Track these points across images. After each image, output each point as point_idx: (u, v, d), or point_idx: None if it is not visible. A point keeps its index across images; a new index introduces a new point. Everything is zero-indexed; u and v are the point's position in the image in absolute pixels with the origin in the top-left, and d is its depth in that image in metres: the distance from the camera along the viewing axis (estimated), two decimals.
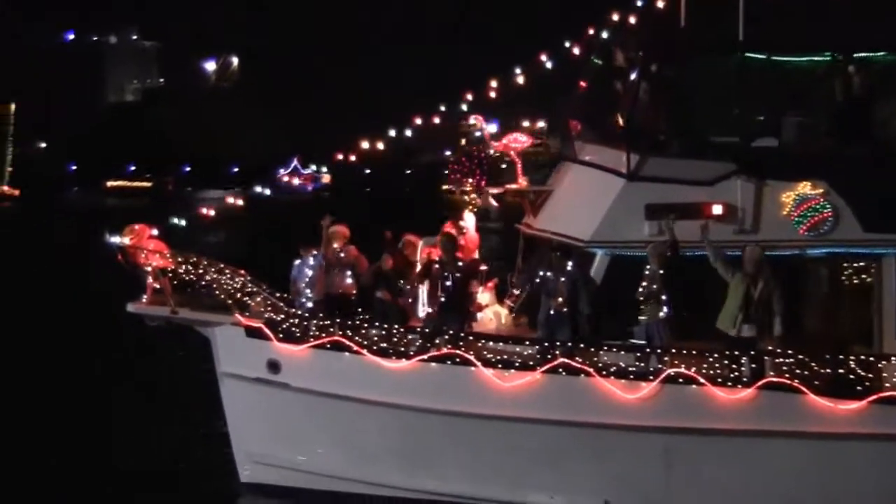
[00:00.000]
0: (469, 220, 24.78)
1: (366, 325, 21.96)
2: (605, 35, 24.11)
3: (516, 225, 24.94)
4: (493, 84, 25.22)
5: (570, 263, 22.10)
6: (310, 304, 23.07)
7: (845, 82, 22.54)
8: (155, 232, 22.49)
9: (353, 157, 26.18)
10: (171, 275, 22.44)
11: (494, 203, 25.05)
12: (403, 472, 22.02)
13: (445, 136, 24.46)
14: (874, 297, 21.98)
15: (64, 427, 28.14)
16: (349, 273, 23.39)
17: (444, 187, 25.38)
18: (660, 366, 20.86)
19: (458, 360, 21.23)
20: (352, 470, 22.30)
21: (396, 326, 22.01)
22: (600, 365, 20.92)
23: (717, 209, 21.92)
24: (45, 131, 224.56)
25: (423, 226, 25.22)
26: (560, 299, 21.95)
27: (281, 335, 22.07)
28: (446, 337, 21.52)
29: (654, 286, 21.57)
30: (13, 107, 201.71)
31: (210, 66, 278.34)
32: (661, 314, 21.57)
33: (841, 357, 20.55)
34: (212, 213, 23.48)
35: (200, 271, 22.37)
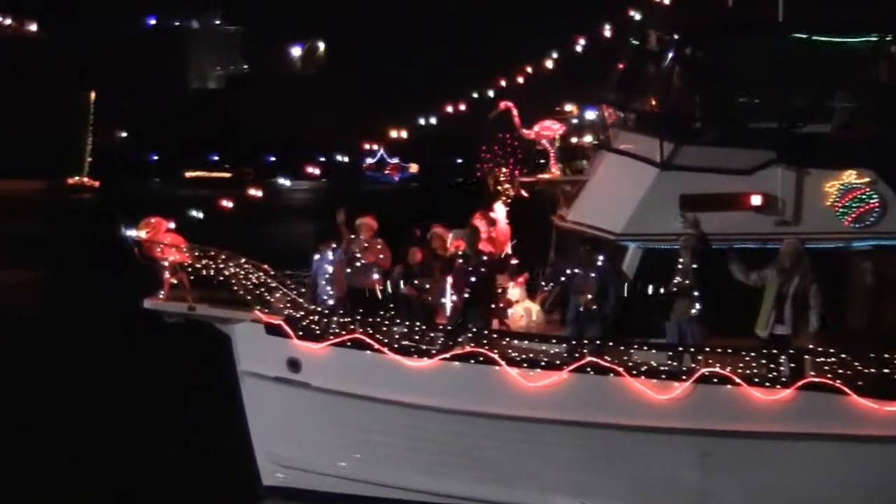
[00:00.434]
0: (500, 211, 24.69)
1: (387, 322, 21.92)
2: (637, 16, 23.88)
3: (550, 217, 24.84)
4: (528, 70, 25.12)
5: (600, 258, 21.95)
6: (330, 301, 23.06)
7: (892, 64, 22.18)
8: (172, 225, 22.60)
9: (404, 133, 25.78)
10: (189, 270, 22.51)
11: (524, 193, 24.90)
12: (425, 475, 21.99)
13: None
14: None
15: (86, 426, 28.53)
16: (375, 268, 23.32)
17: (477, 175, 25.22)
18: (693, 365, 20.66)
19: (481, 358, 21.15)
20: (372, 473, 22.32)
21: (419, 324, 21.94)
22: (630, 364, 20.76)
23: (756, 200, 21.70)
24: (126, 120, 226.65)
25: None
26: (589, 296, 21.81)
27: (301, 333, 22.08)
28: (469, 335, 21.45)
29: (687, 281, 21.34)
30: (93, 95, 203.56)
31: (296, 51, 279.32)
32: (694, 311, 21.34)
33: (886, 356, 20.19)
34: (230, 205, 23.49)
35: (219, 266, 22.42)
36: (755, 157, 21.81)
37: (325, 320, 22.10)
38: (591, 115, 27.23)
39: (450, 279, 22.70)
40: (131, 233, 22.37)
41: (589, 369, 20.79)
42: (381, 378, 21.69)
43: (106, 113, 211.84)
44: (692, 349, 20.84)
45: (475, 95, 25.69)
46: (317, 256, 23.67)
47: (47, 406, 30.45)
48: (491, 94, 25.80)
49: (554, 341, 21.61)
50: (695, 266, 21.32)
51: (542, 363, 21.02)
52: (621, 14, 24.40)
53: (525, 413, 21.06)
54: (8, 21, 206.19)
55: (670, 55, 22.76)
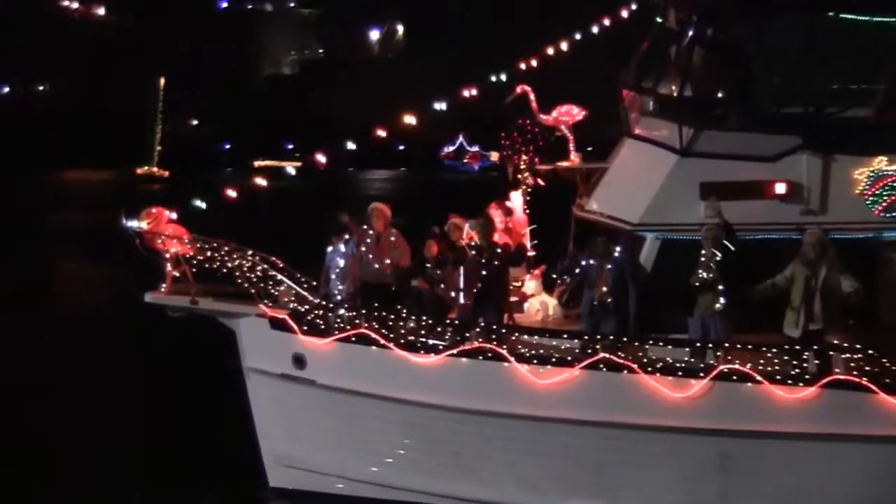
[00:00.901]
0: (517, 201, 24.57)
1: (394, 316, 21.87)
2: None
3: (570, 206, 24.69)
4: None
5: (617, 249, 21.79)
6: (340, 296, 23.01)
7: None
8: (174, 216, 22.65)
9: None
10: (192, 261, 22.56)
11: (541, 182, 24.75)
12: (431, 476, 21.99)
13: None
14: None
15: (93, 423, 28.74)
16: (387, 260, 23.24)
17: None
18: (711, 361, 20.47)
19: (490, 354, 21.08)
20: (378, 474, 22.35)
21: (427, 318, 21.86)
22: (645, 360, 20.62)
23: (781, 188, 21.53)
24: (197, 108, 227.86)
25: None
26: (604, 289, 21.68)
27: (305, 327, 22.12)
28: (478, 330, 21.37)
29: (710, 274, 21.10)
30: (163, 81, 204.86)
31: (374, 34, 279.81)
32: (718, 305, 21.11)
33: None
34: (234, 194, 23.50)
35: (223, 258, 22.47)
36: (780, 144, 21.65)
37: (330, 314, 22.12)
38: None
39: (462, 271, 22.58)
40: (132, 224, 22.44)
41: (602, 366, 20.68)
42: (385, 375, 21.69)
43: (176, 100, 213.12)
44: (710, 345, 20.66)
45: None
46: (329, 249, 23.60)
47: (53, 403, 30.63)
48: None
49: (566, 336, 21.49)
50: (718, 258, 21.09)
51: (554, 359, 20.93)
52: None
53: (534, 412, 20.99)
54: (75, 5, 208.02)
55: (690, 34, 22.58)
